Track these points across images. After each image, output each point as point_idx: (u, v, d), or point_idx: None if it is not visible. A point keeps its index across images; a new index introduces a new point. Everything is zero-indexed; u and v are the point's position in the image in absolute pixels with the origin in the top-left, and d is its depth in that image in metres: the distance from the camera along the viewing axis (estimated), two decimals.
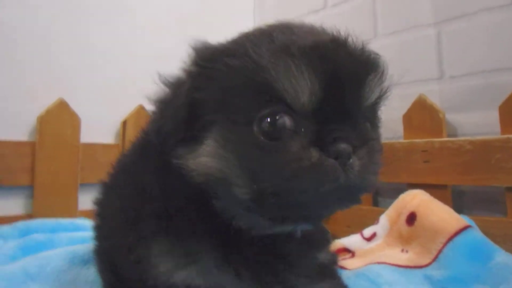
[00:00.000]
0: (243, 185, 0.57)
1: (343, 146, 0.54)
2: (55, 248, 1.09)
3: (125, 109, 1.69)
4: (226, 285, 0.64)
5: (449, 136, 1.44)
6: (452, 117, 1.46)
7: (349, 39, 0.61)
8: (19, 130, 1.45)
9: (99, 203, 0.80)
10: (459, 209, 1.27)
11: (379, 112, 0.71)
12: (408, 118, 1.54)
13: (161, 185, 0.65)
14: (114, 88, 1.67)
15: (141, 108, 1.70)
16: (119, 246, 0.67)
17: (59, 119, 1.51)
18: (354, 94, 0.58)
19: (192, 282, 0.62)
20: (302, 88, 0.54)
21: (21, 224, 1.28)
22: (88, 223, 1.30)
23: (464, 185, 1.40)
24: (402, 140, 1.52)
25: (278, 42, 0.58)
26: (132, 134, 1.63)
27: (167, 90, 0.67)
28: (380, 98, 0.64)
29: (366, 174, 0.57)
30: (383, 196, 1.62)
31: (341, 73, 0.56)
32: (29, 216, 1.41)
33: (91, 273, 0.96)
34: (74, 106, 1.54)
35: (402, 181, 1.47)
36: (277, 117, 0.56)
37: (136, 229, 0.65)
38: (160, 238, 0.63)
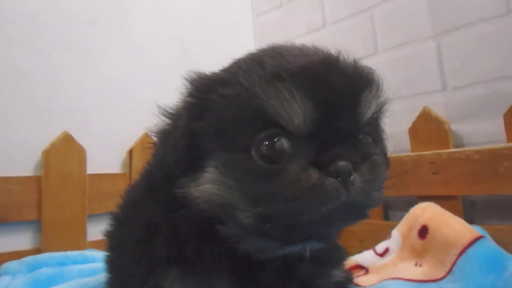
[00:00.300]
0: (246, 209, 0.57)
1: (342, 164, 0.54)
2: (65, 282, 1.08)
3: (131, 138, 1.69)
4: None
5: (455, 146, 1.43)
6: (457, 128, 1.46)
7: (340, 57, 0.61)
8: (24, 165, 1.45)
9: (109, 235, 0.80)
10: (470, 219, 1.25)
11: (382, 125, 0.71)
12: (414, 131, 1.53)
13: (169, 216, 0.66)
14: (119, 118, 1.68)
15: (146, 136, 1.70)
16: (132, 276, 0.67)
17: (64, 152, 1.51)
18: (350, 111, 0.58)
19: None
20: (295, 111, 0.55)
21: (29, 259, 1.27)
22: (98, 254, 1.30)
23: (475, 195, 1.38)
24: (409, 153, 1.51)
25: (268, 68, 0.59)
26: (138, 163, 1.64)
27: (167, 121, 0.68)
28: (378, 112, 0.63)
29: (370, 190, 0.57)
30: (393, 209, 1.61)
31: (334, 93, 0.57)
32: (37, 250, 1.40)
33: None
34: (78, 137, 1.55)
35: (412, 193, 1.46)
36: (274, 140, 0.56)
37: (148, 259, 0.65)
38: (173, 267, 0.63)
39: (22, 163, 1.44)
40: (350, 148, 0.57)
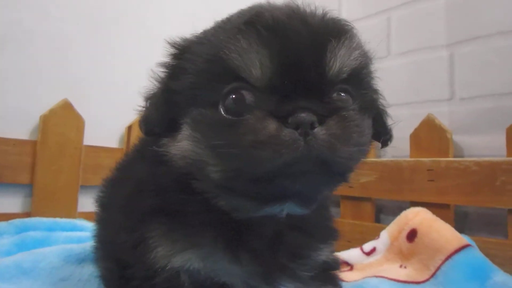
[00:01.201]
0: (214, 164, 0.57)
1: (302, 115, 0.52)
2: (51, 246, 1.09)
3: (131, 115, 1.68)
4: (226, 269, 0.63)
5: (455, 156, 1.42)
6: (459, 138, 1.45)
7: (308, 9, 0.60)
8: (21, 129, 1.44)
9: (100, 197, 0.84)
10: (460, 230, 1.25)
11: (373, 86, 0.70)
12: (416, 137, 1.53)
13: (153, 172, 0.67)
14: (121, 93, 1.67)
15: None
16: (120, 228, 0.68)
17: (63, 120, 1.50)
18: (314, 63, 0.56)
19: (191, 266, 0.62)
20: (253, 62, 0.55)
21: (18, 221, 1.27)
22: (87, 224, 1.30)
23: (467, 207, 1.38)
24: (408, 159, 1.51)
25: (233, 23, 0.59)
26: (137, 139, 1.63)
27: (157, 84, 0.70)
28: (355, 67, 0.60)
29: (336, 145, 0.54)
30: (385, 213, 1.61)
31: (295, 43, 0.55)
32: (27, 214, 1.39)
33: (86, 272, 0.96)
34: (79, 107, 1.54)
35: (406, 199, 1.46)
36: (237, 94, 0.56)
37: (135, 212, 0.66)
38: (158, 221, 0.64)
39: (20, 126, 1.44)
40: (315, 102, 0.55)
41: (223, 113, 0.56)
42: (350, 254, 1.25)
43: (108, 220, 0.78)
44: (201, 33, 0.66)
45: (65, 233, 1.24)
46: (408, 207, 1.33)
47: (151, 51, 1.73)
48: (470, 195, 1.30)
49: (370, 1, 1.82)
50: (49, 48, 1.52)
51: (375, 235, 1.29)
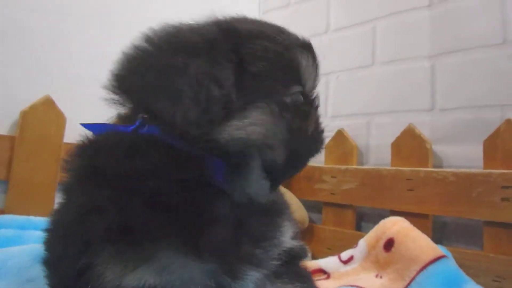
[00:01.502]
0: (278, 148, 0.65)
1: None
2: (22, 245, 1.06)
3: (113, 114, 1.67)
4: (186, 275, 0.59)
5: (434, 166, 1.44)
6: (439, 149, 1.47)
7: None
8: (0, 124, 1.41)
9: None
10: (438, 240, 1.26)
11: None
12: (397, 146, 1.54)
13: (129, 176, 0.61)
14: (104, 91, 1.66)
15: None
16: (62, 256, 0.63)
17: (44, 116, 1.48)
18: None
19: (146, 283, 0.56)
20: (313, 76, 0.71)
21: None
22: None
23: (446, 217, 1.40)
24: (389, 167, 1.51)
25: (294, 38, 0.71)
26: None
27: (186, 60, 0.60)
28: None
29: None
30: (366, 221, 1.62)
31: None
32: (1, 211, 1.37)
33: None
34: (61, 104, 1.52)
35: (386, 207, 1.47)
36: (299, 94, 0.69)
37: (80, 236, 0.59)
38: (108, 245, 0.57)
39: None
40: None
41: (290, 109, 0.67)
42: (327, 262, 1.25)
43: (51, 244, 0.70)
44: (257, 29, 0.70)
45: (38, 232, 1.18)
46: (389, 216, 1.33)
47: None
48: (447, 205, 1.31)
49: (356, 11, 1.83)
50: (32, 43, 1.49)
51: (355, 243, 1.29)
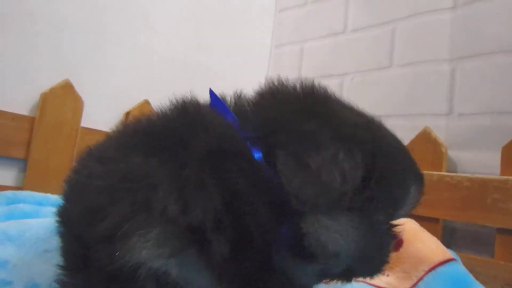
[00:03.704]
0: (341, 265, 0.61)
1: None
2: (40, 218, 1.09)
3: (130, 101, 1.69)
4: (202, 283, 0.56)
5: (448, 171, 1.42)
6: (454, 153, 1.45)
7: None
8: (20, 104, 1.44)
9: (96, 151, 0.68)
10: (447, 245, 1.24)
11: None
12: (411, 150, 1.48)
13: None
14: (122, 79, 1.68)
15: (146, 103, 1.71)
16: (105, 213, 0.54)
17: (62, 99, 1.51)
18: None
19: (167, 270, 0.53)
20: (409, 209, 0.69)
21: (9, 193, 1.26)
22: None
23: (456, 222, 1.38)
24: None
25: (408, 161, 0.72)
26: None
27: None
28: None
29: None
30: None
31: None
32: (19, 189, 1.39)
33: None
34: (79, 89, 1.54)
35: None
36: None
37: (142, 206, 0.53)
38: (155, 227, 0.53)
39: (20, 102, 1.44)
40: None
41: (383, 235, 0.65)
42: None
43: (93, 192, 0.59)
44: (382, 154, 0.61)
45: (54, 209, 1.23)
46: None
47: (151, 43, 1.77)
48: (459, 211, 1.30)
49: (375, 11, 1.82)
50: (52, 29, 1.52)
51: None
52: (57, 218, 0.70)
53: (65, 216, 0.69)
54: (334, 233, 0.56)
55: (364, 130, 0.61)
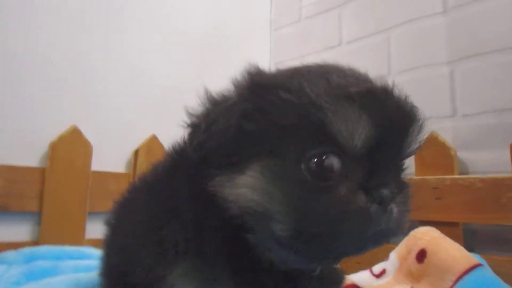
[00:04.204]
0: (283, 222, 0.56)
1: (386, 192, 0.55)
2: (59, 275, 1.09)
3: (137, 139, 1.70)
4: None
5: (460, 173, 1.42)
6: (463, 155, 1.45)
7: (395, 89, 0.61)
8: (30, 156, 1.45)
9: (113, 215, 0.76)
10: (471, 248, 1.24)
11: None
12: (420, 155, 1.53)
13: (193, 208, 0.63)
14: (127, 117, 1.69)
15: (153, 138, 1.72)
16: (135, 262, 0.63)
17: (72, 146, 1.51)
18: (399, 142, 0.60)
19: None
20: (358, 132, 0.55)
21: (26, 250, 1.27)
22: (94, 251, 1.30)
23: (476, 224, 1.38)
24: (414, 177, 1.51)
25: (335, 85, 0.58)
26: (143, 164, 1.65)
27: (209, 106, 0.65)
28: (417, 148, 0.64)
29: (401, 220, 0.58)
30: None
31: (391, 122, 0.57)
32: (36, 243, 1.39)
33: None
34: (86, 133, 1.55)
35: (414, 218, 1.44)
36: (326, 158, 0.55)
37: (157, 247, 0.62)
38: (184, 261, 0.61)
39: (29, 153, 1.45)
40: (393, 177, 0.59)
41: (306, 173, 0.55)
42: (359, 277, 1.24)
43: (119, 247, 0.71)
44: (282, 76, 0.63)
45: (72, 262, 1.23)
46: (417, 226, 1.32)
47: (153, 77, 1.79)
48: (476, 213, 1.29)
49: (369, 22, 1.84)
50: (57, 77, 1.54)
51: (384, 255, 1.28)
52: None
53: None
54: (235, 187, 0.58)
55: (249, 84, 0.64)
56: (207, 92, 0.66)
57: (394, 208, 0.56)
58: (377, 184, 0.55)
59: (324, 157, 0.55)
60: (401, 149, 0.61)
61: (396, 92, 0.61)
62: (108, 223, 0.77)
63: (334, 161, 0.55)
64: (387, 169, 0.58)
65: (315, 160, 0.55)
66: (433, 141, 1.49)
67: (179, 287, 0.60)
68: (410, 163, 1.53)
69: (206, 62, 1.98)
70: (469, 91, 1.47)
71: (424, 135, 0.64)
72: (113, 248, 0.73)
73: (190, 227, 0.62)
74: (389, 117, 0.57)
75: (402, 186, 0.61)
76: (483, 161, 1.41)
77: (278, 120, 0.57)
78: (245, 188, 0.57)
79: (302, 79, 0.59)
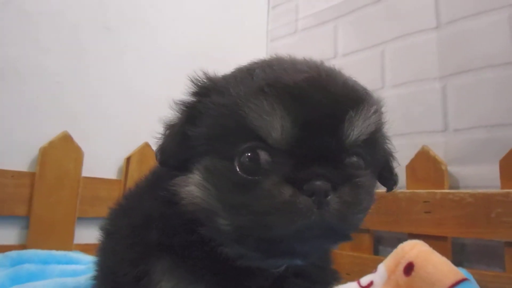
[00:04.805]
0: (224, 217, 0.58)
1: (318, 183, 0.54)
2: (45, 279, 1.08)
3: (130, 146, 1.70)
4: None
5: (451, 188, 1.43)
6: (454, 169, 1.46)
7: (330, 76, 0.61)
8: (20, 161, 1.45)
9: (107, 221, 0.82)
10: (459, 262, 1.24)
11: (385, 144, 0.73)
12: (412, 169, 1.53)
13: (162, 210, 0.67)
14: (121, 125, 1.70)
15: (146, 145, 1.72)
16: (123, 260, 0.68)
17: (62, 152, 1.51)
18: (332, 131, 0.58)
19: None
20: (273, 125, 0.55)
21: (13, 253, 1.26)
22: (82, 256, 1.29)
23: (465, 239, 1.38)
24: (405, 190, 1.51)
25: (255, 80, 0.59)
26: (135, 171, 1.64)
27: (177, 114, 0.70)
28: (372, 133, 0.62)
29: (347, 213, 0.57)
30: (384, 244, 1.60)
31: (315, 111, 0.57)
32: (23, 247, 1.38)
33: None
34: (78, 139, 1.55)
35: (404, 230, 1.45)
36: (254, 153, 0.57)
37: (140, 245, 0.67)
38: (163, 256, 0.65)
39: (19, 158, 1.45)
40: (330, 168, 0.57)
41: (237, 169, 0.57)
42: None
43: (111, 249, 0.76)
44: (222, 78, 0.67)
45: (60, 266, 1.23)
46: (406, 239, 1.31)
47: (148, 85, 1.79)
48: (466, 227, 1.30)
49: (364, 35, 1.86)
50: (49, 82, 1.54)
51: (373, 267, 1.27)
52: None
53: None
54: (186, 185, 0.62)
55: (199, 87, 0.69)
56: (174, 101, 0.71)
57: (334, 200, 0.55)
58: (308, 175, 0.55)
59: (251, 153, 0.57)
60: (338, 138, 0.58)
61: (331, 79, 0.60)
62: (102, 228, 0.81)
63: (261, 156, 0.57)
64: (324, 160, 0.57)
65: (245, 156, 0.57)
66: (424, 155, 1.49)
67: (163, 282, 0.62)
68: (401, 177, 1.54)
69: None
70: (460, 106, 1.48)
71: (374, 120, 0.61)
72: (107, 251, 0.78)
73: (161, 228, 0.66)
74: (314, 107, 0.56)
75: (348, 177, 0.59)
76: (473, 176, 1.41)
77: (215, 121, 0.60)
78: (193, 185, 0.61)
79: (231, 79, 0.63)
